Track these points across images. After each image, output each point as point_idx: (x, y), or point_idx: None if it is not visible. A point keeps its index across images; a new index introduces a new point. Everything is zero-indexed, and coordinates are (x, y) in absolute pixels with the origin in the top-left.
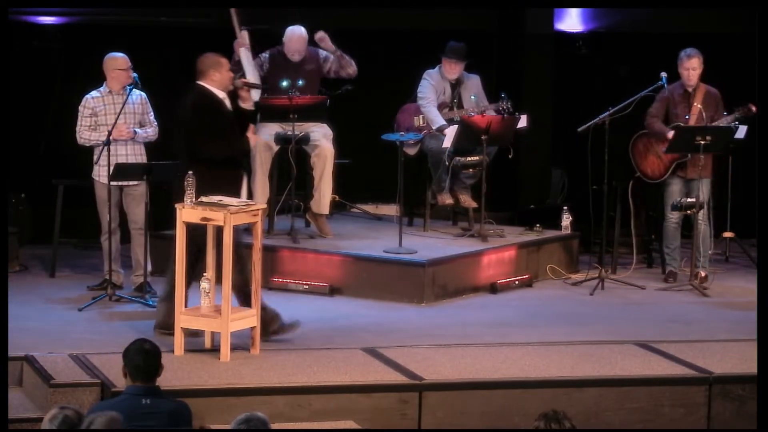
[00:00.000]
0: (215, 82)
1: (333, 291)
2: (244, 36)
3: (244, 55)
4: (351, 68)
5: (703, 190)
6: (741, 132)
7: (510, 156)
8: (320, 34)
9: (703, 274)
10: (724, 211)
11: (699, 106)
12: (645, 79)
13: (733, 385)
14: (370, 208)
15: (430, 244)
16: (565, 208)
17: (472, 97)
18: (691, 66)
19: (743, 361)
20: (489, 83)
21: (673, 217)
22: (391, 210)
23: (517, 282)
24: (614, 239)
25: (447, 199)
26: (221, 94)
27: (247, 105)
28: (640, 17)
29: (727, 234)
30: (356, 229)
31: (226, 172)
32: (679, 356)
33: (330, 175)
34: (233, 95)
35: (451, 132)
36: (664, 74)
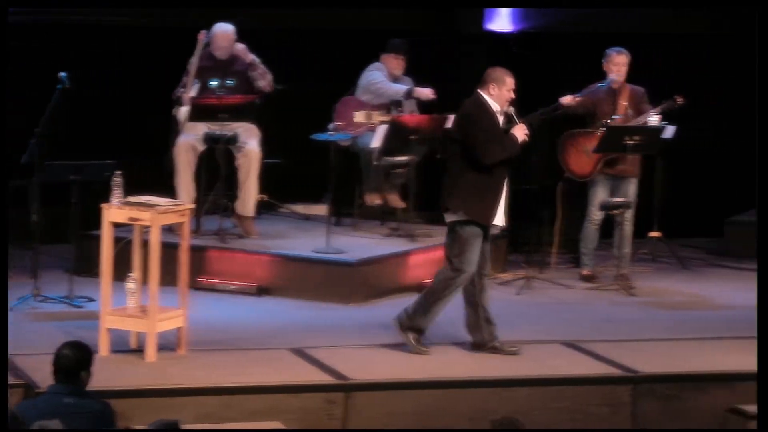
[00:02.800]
0: (492, 96)
1: (261, 291)
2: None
3: (182, 112)
4: (263, 81)
5: (630, 189)
6: (669, 132)
7: (439, 156)
8: (240, 46)
9: (626, 273)
10: (650, 211)
11: (625, 104)
12: (578, 78)
13: (658, 384)
14: (298, 207)
15: (358, 244)
16: None
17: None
18: (621, 62)
19: (669, 360)
20: (421, 83)
21: (597, 218)
22: (320, 210)
23: None
24: (542, 239)
25: (375, 199)
26: (496, 107)
27: (513, 130)
28: (572, 17)
29: (654, 234)
30: (285, 229)
31: (496, 178)
32: (606, 355)
33: (256, 177)
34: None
35: (379, 132)
36: (612, 76)
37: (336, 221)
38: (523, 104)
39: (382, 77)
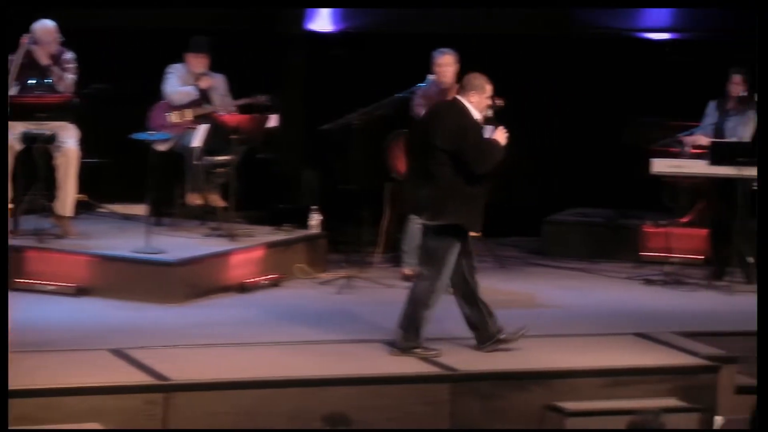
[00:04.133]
0: (472, 103)
1: (80, 291)
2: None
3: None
4: (61, 84)
5: None
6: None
7: (260, 156)
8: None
9: None
10: None
11: None
12: (399, 80)
13: (477, 382)
14: (118, 207)
15: (179, 244)
16: (314, 207)
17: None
18: (444, 63)
19: (487, 358)
20: (241, 83)
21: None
22: (140, 210)
23: (266, 281)
24: (363, 238)
25: (196, 199)
26: (476, 114)
27: (494, 134)
28: (393, 18)
29: (474, 234)
30: (105, 229)
31: (483, 185)
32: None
33: (74, 176)
34: None
35: (200, 132)
36: (431, 76)
37: (156, 221)
38: (345, 104)
39: (172, 85)
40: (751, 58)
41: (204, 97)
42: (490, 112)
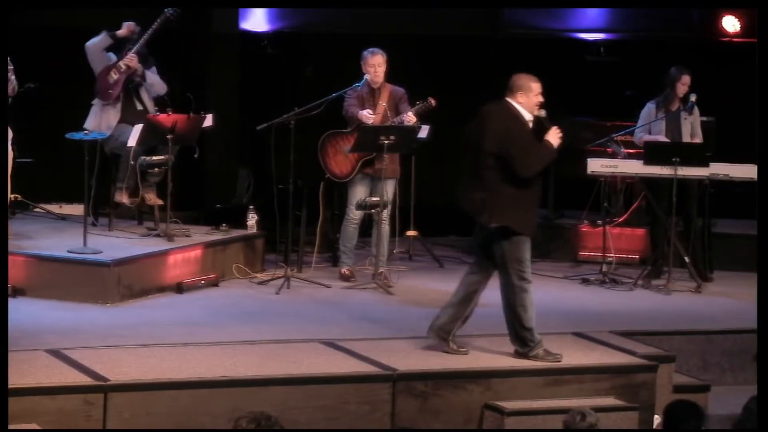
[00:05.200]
0: (521, 104)
1: (16, 292)
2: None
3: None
4: (8, 88)
5: (388, 189)
6: (423, 132)
7: (196, 155)
8: None
9: (384, 272)
10: (407, 210)
11: (384, 104)
12: (331, 79)
13: (416, 381)
14: (53, 207)
15: (115, 244)
16: (251, 207)
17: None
18: (376, 62)
19: (426, 358)
20: (174, 82)
21: (355, 217)
22: (76, 209)
23: (203, 281)
24: (300, 238)
25: (131, 199)
26: (527, 115)
27: (547, 136)
28: (328, 18)
29: (411, 233)
30: (40, 228)
31: (534, 188)
32: (364, 354)
33: (7, 177)
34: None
35: (136, 131)
36: (367, 75)
37: (93, 221)
38: (279, 103)
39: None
40: (685, 58)
41: (121, 44)
42: (542, 112)
